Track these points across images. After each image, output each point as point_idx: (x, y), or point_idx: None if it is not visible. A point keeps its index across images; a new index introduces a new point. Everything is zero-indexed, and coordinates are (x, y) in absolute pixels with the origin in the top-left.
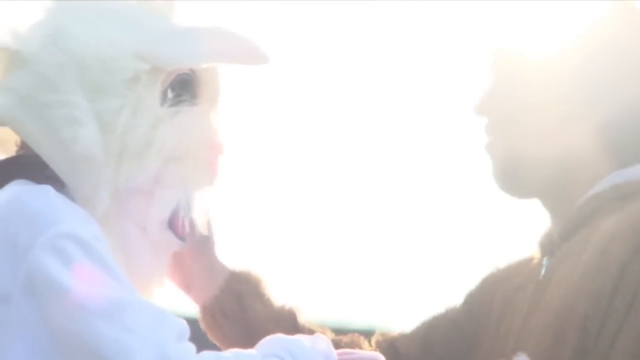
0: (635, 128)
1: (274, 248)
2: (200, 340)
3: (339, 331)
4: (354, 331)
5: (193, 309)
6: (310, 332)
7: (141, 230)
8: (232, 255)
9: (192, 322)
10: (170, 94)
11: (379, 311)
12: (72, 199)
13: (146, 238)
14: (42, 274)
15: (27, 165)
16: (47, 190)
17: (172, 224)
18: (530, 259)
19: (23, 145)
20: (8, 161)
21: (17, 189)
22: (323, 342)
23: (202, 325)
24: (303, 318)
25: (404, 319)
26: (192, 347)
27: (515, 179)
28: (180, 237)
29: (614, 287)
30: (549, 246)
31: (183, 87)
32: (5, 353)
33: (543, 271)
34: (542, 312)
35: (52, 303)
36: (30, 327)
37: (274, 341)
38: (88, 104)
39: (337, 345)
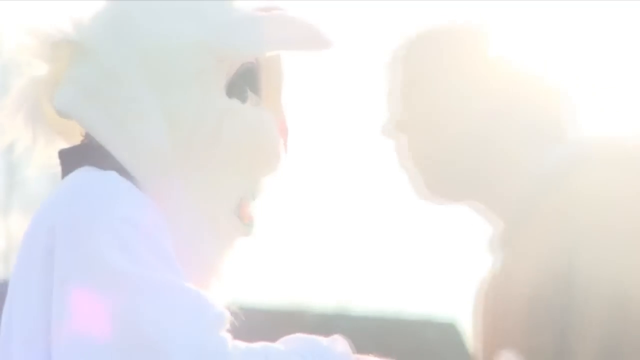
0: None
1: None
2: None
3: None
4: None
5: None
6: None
7: (209, 218)
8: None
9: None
10: (235, 84)
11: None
12: (138, 186)
13: (213, 226)
14: (98, 255)
15: (92, 153)
16: (112, 176)
17: (239, 212)
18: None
19: (88, 135)
20: (74, 149)
21: (83, 174)
22: (341, 344)
23: None
24: None
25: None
26: (228, 336)
27: (448, 181)
28: (247, 224)
29: (569, 265)
30: (498, 241)
31: (247, 77)
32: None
33: (500, 264)
34: (512, 304)
35: (103, 284)
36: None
37: (296, 340)
38: (155, 99)
39: None
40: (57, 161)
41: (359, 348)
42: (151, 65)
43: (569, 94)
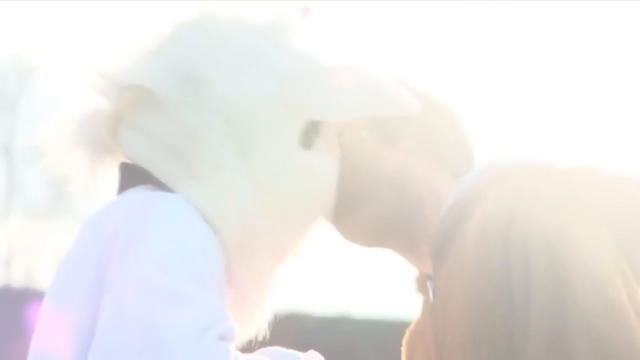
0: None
1: None
2: None
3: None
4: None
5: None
6: None
7: (275, 258)
8: None
9: None
10: (304, 132)
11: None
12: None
13: (275, 264)
14: (135, 267)
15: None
16: (176, 199)
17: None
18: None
19: None
20: (135, 167)
21: (149, 193)
22: (317, 359)
23: None
24: None
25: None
26: (228, 346)
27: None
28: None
29: (505, 263)
30: (424, 276)
31: (313, 129)
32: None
33: (431, 295)
34: (451, 327)
35: (131, 290)
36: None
37: (276, 354)
38: (239, 160)
39: None
40: (113, 175)
41: (360, 352)
42: (232, 126)
43: (469, 121)
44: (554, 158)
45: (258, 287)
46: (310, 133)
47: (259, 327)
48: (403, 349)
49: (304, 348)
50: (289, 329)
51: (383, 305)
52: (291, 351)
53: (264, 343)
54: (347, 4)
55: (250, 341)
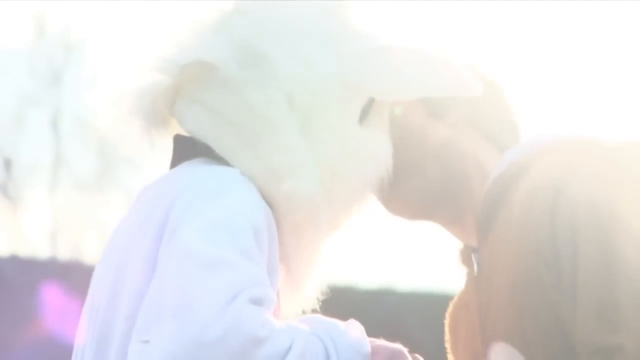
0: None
1: None
2: None
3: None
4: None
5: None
6: None
7: (326, 233)
8: None
9: None
10: (362, 115)
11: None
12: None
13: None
14: (181, 236)
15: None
16: (232, 173)
17: None
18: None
19: None
20: (191, 139)
21: (206, 167)
22: (357, 328)
23: None
24: None
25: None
26: (259, 310)
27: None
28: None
29: (552, 233)
30: (468, 249)
31: (369, 106)
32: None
33: (476, 267)
34: (496, 299)
35: (175, 255)
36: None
37: (315, 321)
38: (304, 142)
39: None
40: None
41: (406, 324)
42: (295, 103)
43: (518, 98)
44: (600, 134)
45: (309, 262)
46: (368, 110)
47: (309, 300)
48: (447, 322)
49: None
50: (335, 302)
51: (427, 278)
52: (330, 319)
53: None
54: None
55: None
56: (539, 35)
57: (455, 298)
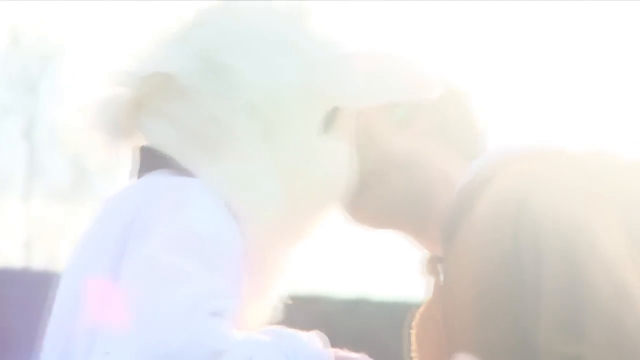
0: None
1: None
2: None
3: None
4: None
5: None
6: None
7: (292, 241)
8: None
9: None
10: (324, 124)
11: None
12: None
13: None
14: (143, 249)
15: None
16: (196, 184)
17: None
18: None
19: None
20: (155, 151)
21: (168, 178)
22: (319, 339)
23: None
24: None
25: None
26: (220, 322)
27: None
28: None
29: (516, 244)
30: (434, 258)
31: (333, 114)
32: None
33: (441, 277)
34: (461, 309)
35: (135, 267)
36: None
37: (277, 332)
38: (266, 150)
39: None
40: (132, 157)
41: (380, 334)
42: (257, 113)
43: (485, 108)
44: (565, 143)
45: (274, 272)
46: (332, 119)
47: (275, 310)
48: (413, 332)
49: (325, 330)
50: (311, 312)
51: (403, 287)
52: (293, 330)
53: (285, 326)
54: None
55: (272, 324)
56: (519, 35)
57: (422, 308)
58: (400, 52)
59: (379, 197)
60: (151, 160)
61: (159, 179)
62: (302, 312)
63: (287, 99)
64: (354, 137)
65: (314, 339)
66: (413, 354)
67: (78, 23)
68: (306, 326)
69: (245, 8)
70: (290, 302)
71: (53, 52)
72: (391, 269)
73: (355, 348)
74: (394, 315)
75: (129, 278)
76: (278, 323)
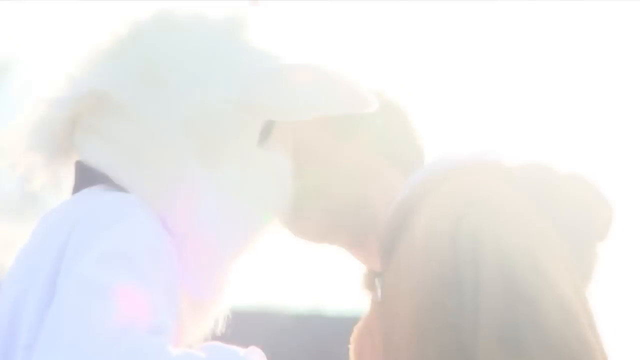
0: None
1: None
2: None
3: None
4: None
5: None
6: None
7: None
8: None
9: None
10: (261, 138)
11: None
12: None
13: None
14: (79, 266)
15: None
16: (131, 200)
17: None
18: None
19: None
20: (90, 168)
21: (103, 194)
22: (257, 355)
23: None
24: None
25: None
26: (155, 339)
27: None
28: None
29: (454, 259)
30: (371, 274)
31: (270, 128)
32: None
33: (379, 292)
34: (399, 324)
35: (71, 285)
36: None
37: (214, 348)
38: (201, 165)
39: None
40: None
41: (333, 348)
42: (192, 129)
43: (422, 121)
44: (502, 156)
45: (213, 288)
46: (269, 133)
47: (220, 325)
48: (352, 347)
49: (276, 346)
50: (263, 326)
51: (356, 302)
52: (231, 347)
53: (236, 340)
54: None
55: (218, 338)
56: (495, 37)
57: (360, 323)
58: (336, 66)
59: (319, 211)
60: (87, 176)
61: (94, 195)
62: (253, 326)
63: (222, 115)
64: (294, 150)
65: (253, 355)
66: None
67: (16, 41)
68: (256, 341)
69: (180, 22)
70: (237, 316)
71: (3, 67)
72: (345, 283)
73: None
74: (348, 330)
75: (63, 296)
76: (226, 338)
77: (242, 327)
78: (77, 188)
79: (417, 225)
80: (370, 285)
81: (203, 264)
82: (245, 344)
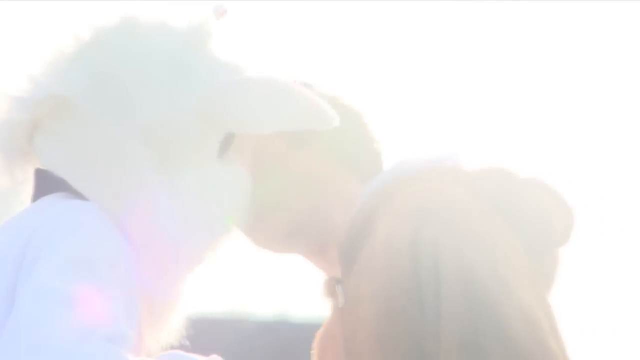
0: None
1: None
2: None
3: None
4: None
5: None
6: None
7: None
8: None
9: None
10: (221, 149)
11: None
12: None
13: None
14: (37, 274)
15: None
16: (89, 208)
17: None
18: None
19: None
20: (50, 174)
21: (62, 201)
22: None
23: None
24: None
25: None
26: (114, 348)
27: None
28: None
29: (414, 266)
30: (332, 280)
31: (230, 139)
32: None
33: (341, 299)
34: (361, 331)
35: (28, 295)
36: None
37: (174, 357)
38: (155, 173)
39: None
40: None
41: (299, 355)
42: (152, 138)
43: (380, 127)
44: (461, 161)
45: (171, 296)
46: (228, 144)
47: (175, 333)
48: (314, 353)
49: (241, 353)
50: (226, 334)
51: (322, 308)
52: (191, 355)
53: (201, 347)
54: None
55: (182, 346)
56: (465, 39)
57: (322, 328)
58: (297, 80)
59: (278, 220)
60: (46, 183)
61: (52, 203)
62: (218, 334)
63: (182, 125)
64: (253, 160)
65: None
66: None
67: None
68: (221, 349)
69: (144, 29)
70: (203, 323)
71: None
72: (310, 289)
73: None
74: (313, 336)
75: (22, 304)
76: (192, 345)
77: (207, 334)
78: (36, 196)
79: (376, 232)
80: (331, 292)
81: (160, 271)
82: (210, 350)
